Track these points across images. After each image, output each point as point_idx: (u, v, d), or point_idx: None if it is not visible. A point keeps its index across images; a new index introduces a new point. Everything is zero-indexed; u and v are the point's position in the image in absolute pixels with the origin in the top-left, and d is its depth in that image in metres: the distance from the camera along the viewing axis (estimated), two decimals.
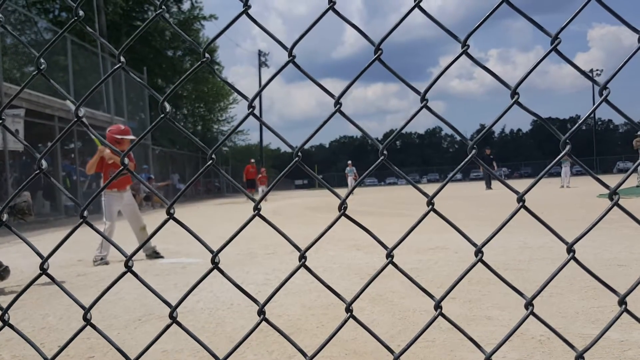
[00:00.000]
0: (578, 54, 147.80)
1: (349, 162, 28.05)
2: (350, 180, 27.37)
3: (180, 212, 7.02)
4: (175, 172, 29.05)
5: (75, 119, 1.08)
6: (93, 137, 1.20)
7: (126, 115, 21.09)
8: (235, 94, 34.40)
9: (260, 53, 49.04)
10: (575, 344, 2.46)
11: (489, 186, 23.53)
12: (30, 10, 25.34)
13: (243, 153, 53.26)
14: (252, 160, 26.99)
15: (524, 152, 76.77)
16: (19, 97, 13.81)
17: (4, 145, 13.07)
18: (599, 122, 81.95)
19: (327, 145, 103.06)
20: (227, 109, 41.75)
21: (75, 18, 1.03)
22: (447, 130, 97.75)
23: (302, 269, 4.08)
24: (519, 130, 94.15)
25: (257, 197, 6.99)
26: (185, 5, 33.37)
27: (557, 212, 9.83)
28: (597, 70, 61.56)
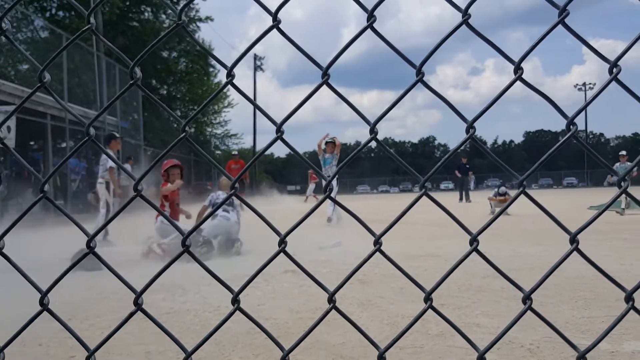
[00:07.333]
0: (574, 66, 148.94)
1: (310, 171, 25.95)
2: (310, 189, 25.24)
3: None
4: None
5: (39, 84, 1.04)
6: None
7: (119, 115, 20.99)
8: (231, 98, 33.97)
9: (255, 57, 49.01)
10: (565, 354, 2.43)
11: (462, 198, 21.35)
12: (27, 8, 25.22)
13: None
14: (235, 153, 21.00)
15: (516, 163, 77.04)
16: (11, 94, 13.73)
17: None
18: (591, 136, 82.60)
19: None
20: (221, 112, 41.64)
21: None
22: (440, 139, 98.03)
23: (292, 274, 3.99)
24: (512, 141, 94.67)
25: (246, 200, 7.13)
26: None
27: (549, 221, 9.83)
28: (590, 84, 62.16)
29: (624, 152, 13.57)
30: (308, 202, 23.82)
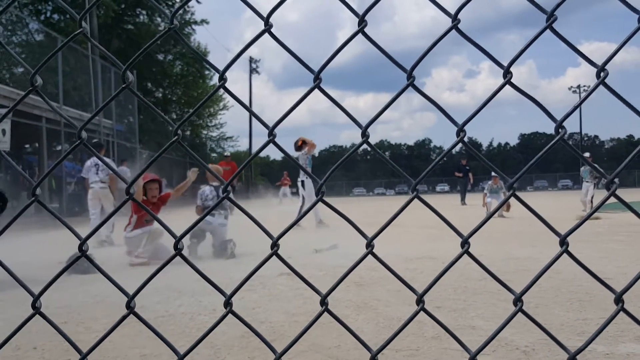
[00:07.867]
0: (568, 69, 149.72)
1: (285, 171, 26.60)
2: (282, 192, 25.69)
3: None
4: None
5: (30, 88, 1.03)
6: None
7: (114, 118, 20.95)
8: (226, 101, 33.88)
9: (251, 60, 48.98)
10: (560, 356, 2.43)
11: (463, 201, 20.45)
12: (21, 11, 25.16)
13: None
14: (227, 154, 20.27)
15: (511, 166, 77.18)
16: (5, 96, 13.68)
17: None
18: (585, 138, 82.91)
19: (317, 155, 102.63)
20: (217, 114, 41.62)
21: None
22: (436, 142, 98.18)
23: (288, 277, 3.98)
24: (507, 143, 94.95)
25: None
26: None
27: (541, 225, 9.83)
28: (584, 86, 62.33)
29: (587, 154, 13.65)
30: (299, 203, 24.08)
